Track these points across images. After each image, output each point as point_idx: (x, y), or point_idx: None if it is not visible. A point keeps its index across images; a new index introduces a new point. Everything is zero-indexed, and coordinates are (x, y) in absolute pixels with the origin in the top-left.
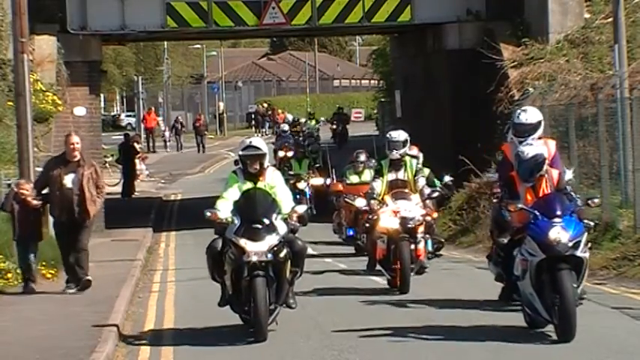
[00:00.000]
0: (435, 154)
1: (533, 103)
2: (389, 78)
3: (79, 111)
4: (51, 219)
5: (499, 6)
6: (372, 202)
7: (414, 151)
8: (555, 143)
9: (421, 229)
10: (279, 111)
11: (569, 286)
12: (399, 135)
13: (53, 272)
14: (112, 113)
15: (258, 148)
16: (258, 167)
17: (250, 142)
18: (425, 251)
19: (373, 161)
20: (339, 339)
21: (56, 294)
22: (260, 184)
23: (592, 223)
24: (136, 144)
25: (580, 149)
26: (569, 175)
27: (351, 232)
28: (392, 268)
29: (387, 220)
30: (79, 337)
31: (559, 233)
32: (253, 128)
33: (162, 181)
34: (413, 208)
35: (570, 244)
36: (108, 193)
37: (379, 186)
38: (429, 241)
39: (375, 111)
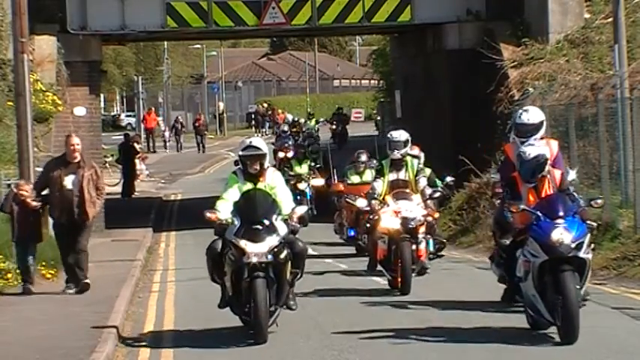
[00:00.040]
0: (435, 154)
1: (533, 103)
2: (389, 78)
3: (79, 111)
4: (51, 220)
5: (499, 6)
6: (373, 202)
7: (416, 150)
8: (558, 143)
9: (422, 229)
10: (279, 111)
11: (572, 288)
12: (400, 135)
13: (53, 272)
14: (112, 113)
15: (259, 149)
16: (258, 168)
17: (250, 142)
18: (426, 252)
19: (374, 161)
20: (339, 339)
21: (56, 294)
22: (260, 185)
23: (595, 224)
24: (135, 144)
25: (580, 149)
26: (572, 175)
27: (353, 233)
28: (393, 268)
29: (388, 221)
30: (79, 337)
31: (562, 234)
32: (253, 128)
33: (163, 181)
34: (414, 208)
35: (573, 246)
36: (108, 193)
37: (380, 186)
38: (431, 242)
39: (375, 111)
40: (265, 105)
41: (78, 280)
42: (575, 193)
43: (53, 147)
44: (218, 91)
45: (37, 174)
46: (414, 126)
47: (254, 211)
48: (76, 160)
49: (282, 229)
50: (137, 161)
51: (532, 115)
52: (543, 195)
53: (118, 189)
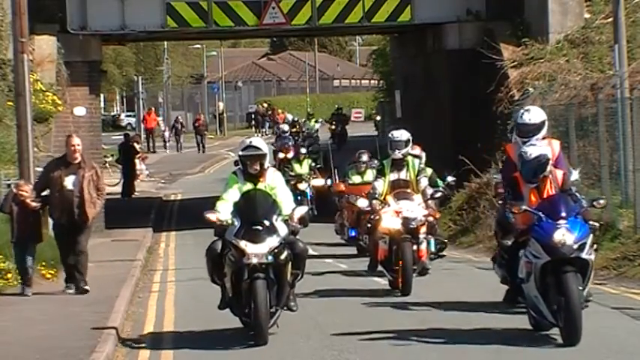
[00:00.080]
0: (435, 154)
1: (534, 103)
2: (389, 78)
3: (79, 111)
4: (51, 220)
5: (499, 6)
6: (374, 202)
7: (417, 150)
8: (560, 143)
9: (423, 229)
10: (279, 111)
11: (574, 289)
12: (402, 135)
13: (53, 272)
14: (112, 113)
15: (259, 149)
16: (258, 168)
17: (250, 142)
18: (427, 252)
19: (375, 161)
20: (339, 340)
21: (56, 294)
22: (260, 185)
23: (597, 225)
24: (135, 144)
25: (580, 149)
26: (575, 175)
27: (354, 233)
28: (394, 269)
29: (389, 221)
30: (79, 337)
31: (564, 235)
32: (253, 128)
33: (162, 181)
34: (415, 208)
35: (575, 246)
36: (108, 193)
37: (381, 186)
38: (432, 242)
39: (374, 112)
40: (265, 105)
41: (77, 282)
42: (577, 194)
43: (53, 147)
44: (218, 91)
45: (37, 174)
46: (414, 126)
47: (254, 212)
48: (77, 161)
49: (283, 229)
50: (137, 161)
51: (533, 114)
52: (545, 195)
53: (118, 189)
